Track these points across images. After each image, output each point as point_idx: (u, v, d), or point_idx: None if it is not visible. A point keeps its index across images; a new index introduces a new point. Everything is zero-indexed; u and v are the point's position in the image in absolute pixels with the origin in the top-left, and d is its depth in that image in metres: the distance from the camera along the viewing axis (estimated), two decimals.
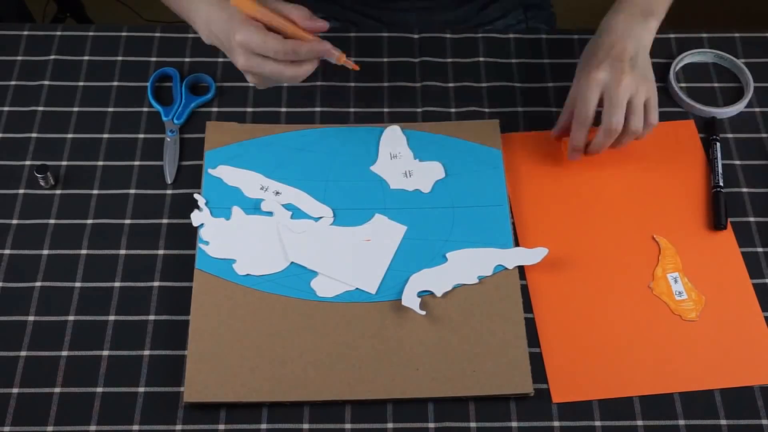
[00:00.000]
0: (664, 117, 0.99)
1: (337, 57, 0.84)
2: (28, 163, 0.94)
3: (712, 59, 1.04)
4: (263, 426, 0.79)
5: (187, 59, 1.02)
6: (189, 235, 0.89)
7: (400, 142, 0.94)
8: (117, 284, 0.86)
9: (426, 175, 0.92)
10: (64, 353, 0.82)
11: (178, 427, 0.79)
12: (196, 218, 0.88)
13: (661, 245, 0.89)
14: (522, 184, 0.93)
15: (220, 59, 1.01)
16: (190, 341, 0.81)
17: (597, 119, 0.88)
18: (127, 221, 0.90)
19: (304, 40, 0.81)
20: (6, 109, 0.98)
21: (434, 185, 0.91)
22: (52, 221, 0.90)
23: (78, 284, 0.86)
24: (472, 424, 0.79)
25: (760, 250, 0.90)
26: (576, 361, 0.82)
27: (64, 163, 0.94)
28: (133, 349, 0.83)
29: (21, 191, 0.92)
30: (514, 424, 0.79)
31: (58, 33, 1.03)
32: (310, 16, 0.82)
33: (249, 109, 0.97)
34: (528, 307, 0.85)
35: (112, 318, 0.84)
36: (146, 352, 0.82)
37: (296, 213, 0.89)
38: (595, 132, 0.89)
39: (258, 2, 0.80)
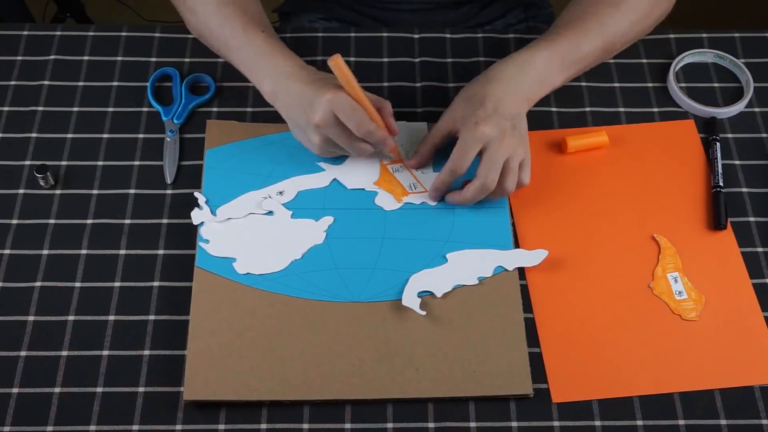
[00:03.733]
0: (664, 117, 0.99)
1: (391, 147, 0.88)
2: (28, 163, 0.94)
3: (712, 59, 1.04)
4: (263, 426, 0.79)
5: (187, 59, 1.02)
6: (189, 235, 0.89)
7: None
8: (117, 284, 0.86)
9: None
10: (64, 353, 0.82)
11: (178, 427, 0.79)
12: (196, 216, 0.88)
13: (661, 244, 0.89)
14: None
15: (220, 59, 1.01)
16: (189, 339, 0.81)
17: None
18: (127, 221, 0.90)
19: (379, 126, 0.85)
20: (6, 109, 0.98)
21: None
22: (52, 221, 0.90)
23: (78, 284, 0.86)
24: (472, 424, 0.79)
25: (760, 250, 0.90)
26: (576, 361, 0.82)
27: (64, 163, 0.94)
28: (133, 349, 0.83)
29: (21, 191, 0.92)
30: (514, 424, 0.79)
31: (58, 33, 1.03)
32: (392, 114, 0.87)
33: (249, 109, 0.97)
34: (528, 307, 0.85)
35: (112, 318, 0.84)
36: (146, 352, 0.82)
37: (296, 213, 0.89)
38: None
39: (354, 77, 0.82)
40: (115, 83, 1.00)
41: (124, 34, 1.04)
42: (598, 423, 0.80)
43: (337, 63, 0.80)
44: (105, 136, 0.96)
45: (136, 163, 0.94)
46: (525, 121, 0.87)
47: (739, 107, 0.99)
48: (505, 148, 0.84)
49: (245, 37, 0.89)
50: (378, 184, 0.91)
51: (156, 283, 0.86)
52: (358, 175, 0.92)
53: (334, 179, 0.91)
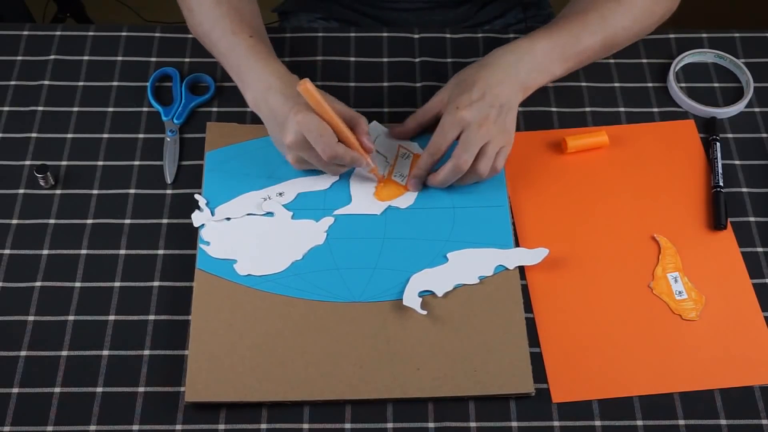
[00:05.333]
0: (664, 117, 0.99)
1: (371, 168, 0.88)
2: (28, 163, 0.94)
3: (712, 59, 1.04)
4: (263, 426, 0.79)
5: (187, 59, 1.02)
6: (189, 235, 0.89)
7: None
8: (117, 284, 0.86)
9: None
10: (64, 353, 0.82)
11: (178, 427, 0.79)
12: (196, 219, 0.88)
13: (662, 244, 0.89)
14: (522, 183, 0.93)
15: None
16: (191, 341, 0.81)
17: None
18: (127, 221, 0.90)
19: (352, 146, 0.85)
20: (6, 109, 0.98)
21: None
22: (52, 221, 0.90)
23: (78, 284, 0.86)
24: (472, 424, 0.79)
25: (760, 250, 0.90)
26: (576, 361, 0.83)
27: (64, 163, 0.94)
28: (133, 349, 0.83)
29: (21, 191, 0.92)
30: (514, 424, 0.79)
31: (58, 33, 1.03)
32: (367, 132, 0.86)
33: (249, 109, 0.97)
34: (528, 307, 0.85)
35: (112, 318, 0.84)
36: (146, 352, 0.82)
37: (297, 214, 0.89)
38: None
39: (323, 96, 0.82)
40: (115, 83, 1.00)
41: (124, 34, 1.04)
42: (598, 423, 0.80)
43: (305, 88, 0.80)
44: (105, 136, 0.96)
45: (136, 163, 0.94)
46: (515, 110, 0.88)
47: (739, 107, 0.99)
48: (483, 134, 0.84)
49: (233, 41, 0.89)
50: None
51: (156, 283, 0.86)
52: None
53: (335, 182, 0.91)
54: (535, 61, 0.89)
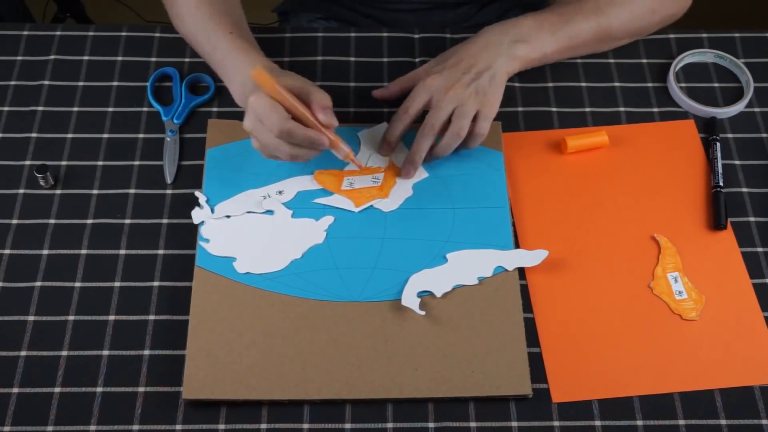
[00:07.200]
0: (664, 117, 0.99)
1: (345, 154, 0.86)
2: (28, 163, 0.94)
3: (712, 59, 1.04)
4: (263, 426, 0.79)
5: (187, 59, 1.02)
6: (189, 235, 0.89)
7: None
8: (117, 284, 0.86)
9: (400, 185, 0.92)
10: (64, 353, 0.82)
11: (178, 426, 0.79)
12: (196, 216, 0.88)
13: (662, 244, 0.89)
14: (522, 183, 0.93)
15: None
16: (189, 338, 0.81)
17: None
18: (127, 221, 0.90)
19: (312, 126, 0.82)
20: (6, 109, 0.98)
21: (433, 186, 0.91)
22: (52, 221, 0.90)
23: (78, 284, 0.86)
24: (472, 424, 0.79)
25: (760, 250, 0.90)
26: (576, 361, 0.82)
27: (64, 163, 0.94)
28: (133, 349, 0.83)
29: (21, 191, 0.92)
30: (514, 424, 0.79)
31: (58, 33, 1.03)
32: (326, 108, 0.82)
33: None
34: (528, 307, 0.85)
35: (112, 318, 0.84)
36: (146, 352, 0.82)
37: (297, 212, 0.89)
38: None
39: (277, 80, 0.80)
40: (115, 83, 1.00)
41: (124, 34, 1.04)
42: (598, 423, 0.80)
43: (256, 72, 0.79)
44: (105, 136, 0.96)
45: (136, 163, 0.94)
46: (497, 78, 0.88)
47: (739, 107, 0.99)
48: (451, 97, 0.86)
49: (215, 39, 0.89)
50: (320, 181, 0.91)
51: (156, 283, 0.86)
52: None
53: None
54: (521, 32, 0.91)
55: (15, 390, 0.80)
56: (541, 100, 0.99)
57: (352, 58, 1.03)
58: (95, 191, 0.92)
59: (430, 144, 0.89)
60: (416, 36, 1.05)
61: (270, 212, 0.89)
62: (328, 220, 0.89)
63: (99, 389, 0.80)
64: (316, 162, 0.91)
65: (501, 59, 0.89)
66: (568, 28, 0.92)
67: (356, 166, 0.90)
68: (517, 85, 1.00)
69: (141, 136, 0.96)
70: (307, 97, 0.82)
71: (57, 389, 0.80)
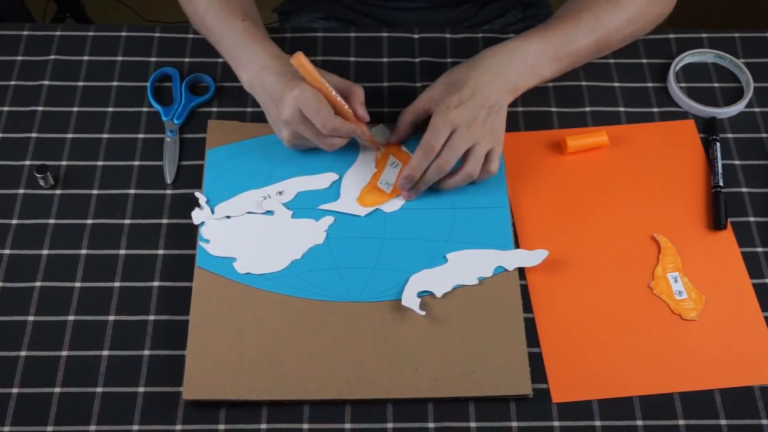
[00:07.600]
0: (664, 117, 0.99)
1: (367, 137, 0.89)
2: (28, 163, 0.94)
3: (712, 59, 1.04)
4: (263, 426, 0.79)
5: (186, 59, 1.02)
6: (189, 235, 0.89)
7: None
8: (117, 284, 0.86)
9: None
10: (64, 353, 0.82)
11: (178, 427, 0.79)
12: (197, 216, 0.89)
13: (662, 244, 0.89)
14: (522, 183, 0.93)
15: (220, 59, 1.01)
16: (189, 339, 0.81)
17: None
18: (127, 221, 0.90)
19: (347, 118, 0.86)
20: (6, 109, 0.98)
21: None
22: (51, 221, 0.90)
23: (78, 284, 0.86)
24: (472, 424, 0.79)
25: (760, 250, 0.90)
26: (576, 361, 0.82)
27: (64, 163, 0.94)
28: (133, 349, 0.83)
29: (21, 191, 0.92)
30: (514, 424, 0.79)
31: (58, 33, 1.03)
32: (363, 102, 0.87)
33: (249, 109, 0.97)
34: (528, 307, 0.85)
35: (112, 318, 0.84)
36: (146, 352, 0.82)
37: (297, 213, 0.89)
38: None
39: (317, 70, 0.82)
40: (115, 83, 1.00)
41: (124, 34, 1.04)
42: (598, 423, 0.80)
43: (299, 62, 0.81)
44: (105, 136, 0.96)
45: (136, 163, 0.94)
46: (504, 112, 0.88)
47: (739, 107, 0.99)
48: (472, 135, 0.85)
49: (226, 25, 0.90)
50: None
51: (156, 283, 0.86)
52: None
53: (335, 181, 0.91)
54: (526, 62, 0.89)
55: (15, 390, 0.80)
56: (541, 100, 0.99)
57: (352, 58, 1.03)
58: (95, 191, 0.92)
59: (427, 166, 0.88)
60: (416, 36, 1.05)
61: (270, 213, 0.89)
62: (328, 220, 0.89)
63: (99, 389, 0.80)
64: (312, 161, 0.91)
65: (508, 93, 0.88)
66: (571, 47, 0.91)
67: (375, 149, 0.92)
68: None
69: (141, 136, 0.96)
70: (347, 90, 0.86)
71: (57, 389, 0.80)
